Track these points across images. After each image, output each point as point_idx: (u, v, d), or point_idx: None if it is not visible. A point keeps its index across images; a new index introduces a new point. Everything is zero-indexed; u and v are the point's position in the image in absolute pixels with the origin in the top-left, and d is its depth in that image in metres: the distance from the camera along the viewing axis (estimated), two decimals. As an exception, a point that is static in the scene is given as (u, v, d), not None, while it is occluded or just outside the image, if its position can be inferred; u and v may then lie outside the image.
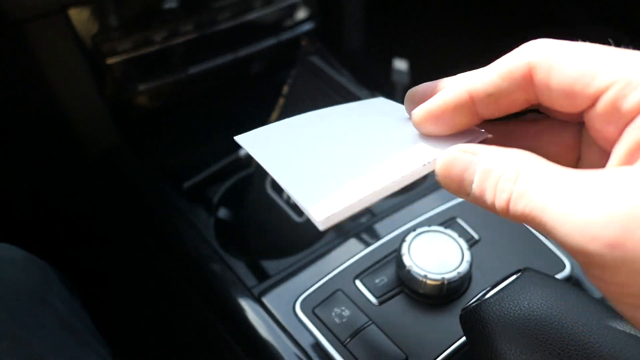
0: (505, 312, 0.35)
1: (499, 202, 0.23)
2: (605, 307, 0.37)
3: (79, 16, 0.55)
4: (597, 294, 0.45)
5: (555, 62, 0.23)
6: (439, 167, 0.26)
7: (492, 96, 0.25)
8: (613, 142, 0.23)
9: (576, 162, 0.27)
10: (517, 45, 0.26)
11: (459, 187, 0.25)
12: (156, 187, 0.58)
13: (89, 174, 0.63)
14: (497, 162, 0.24)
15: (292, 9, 0.68)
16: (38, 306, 0.43)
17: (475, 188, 0.24)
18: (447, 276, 0.42)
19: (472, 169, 0.25)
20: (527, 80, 0.24)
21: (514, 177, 0.23)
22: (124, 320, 0.79)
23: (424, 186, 0.55)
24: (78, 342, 0.43)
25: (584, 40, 0.24)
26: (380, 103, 0.36)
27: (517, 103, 0.25)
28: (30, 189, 0.80)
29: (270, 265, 0.50)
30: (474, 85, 0.25)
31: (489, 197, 0.24)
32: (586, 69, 0.23)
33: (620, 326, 0.35)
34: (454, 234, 0.44)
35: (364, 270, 0.45)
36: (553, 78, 0.23)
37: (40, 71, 0.57)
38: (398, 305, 0.43)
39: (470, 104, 0.26)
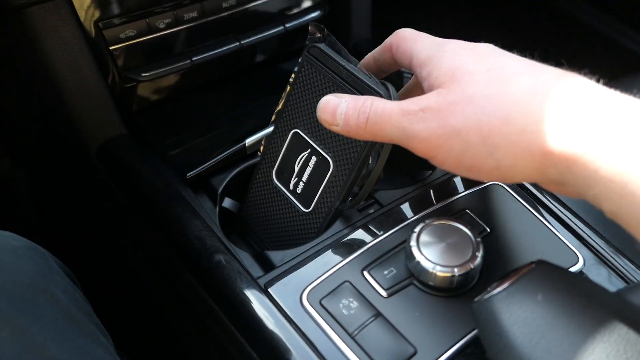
0: (519, 305, 0.35)
1: (360, 122, 0.39)
2: (620, 300, 0.36)
3: (81, 1, 0.54)
4: (612, 288, 0.44)
5: (398, 43, 0.43)
6: (319, 106, 0.42)
7: (379, 60, 0.46)
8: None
9: None
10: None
11: (332, 119, 0.41)
12: (160, 177, 0.57)
13: (91, 163, 0.62)
14: (359, 99, 0.40)
15: (299, -4, 0.67)
16: (39, 295, 0.43)
17: (343, 116, 0.40)
18: (458, 268, 0.41)
19: (342, 105, 0.41)
20: (390, 50, 0.44)
21: (369, 105, 0.39)
22: (125, 311, 0.78)
23: (433, 177, 0.54)
24: (79, 331, 0.43)
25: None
26: None
27: (390, 63, 0.45)
28: (30, 178, 0.80)
29: (276, 256, 0.49)
30: (373, 54, 0.47)
31: (352, 121, 0.40)
32: (409, 48, 0.42)
33: (635, 321, 0.34)
34: (465, 226, 0.44)
35: (373, 262, 0.44)
36: (397, 51, 0.43)
37: (42, 58, 0.56)
38: (407, 297, 0.42)
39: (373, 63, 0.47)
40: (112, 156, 0.61)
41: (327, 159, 0.46)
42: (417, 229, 0.43)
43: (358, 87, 0.44)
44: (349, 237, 0.48)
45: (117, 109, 0.61)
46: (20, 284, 0.42)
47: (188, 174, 0.56)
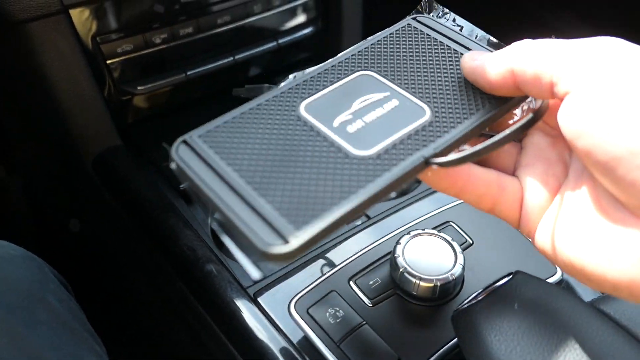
0: (497, 314, 0.36)
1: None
2: (594, 310, 0.38)
3: (80, 17, 0.55)
4: (587, 298, 0.46)
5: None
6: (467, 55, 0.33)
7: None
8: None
9: None
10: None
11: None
12: (154, 188, 0.59)
13: (87, 173, 0.63)
14: None
15: (292, 13, 0.68)
16: (35, 303, 0.44)
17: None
18: (440, 279, 0.43)
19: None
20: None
21: None
22: (118, 319, 0.79)
23: (419, 190, 0.56)
24: (74, 339, 0.44)
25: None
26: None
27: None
28: (25, 187, 0.81)
29: (265, 266, 0.50)
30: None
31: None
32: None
33: (608, 329, 0.35)
34: (448, 237, 0.45)
35: (359, 272, 0.46)
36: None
37: (40, 71, 0.57)
38: (391, 306, 0.44)
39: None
40: (108, 167, 0.62)
41: (419, 106, 0.34)
42: (402, 241, 0.45)
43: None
44: (337, 247, 0.49)
45: (113, 120, 0.63)
46: (17, 292, 0.43)
47: (181, 186, 0.58)
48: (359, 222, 0.52)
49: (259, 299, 0.46)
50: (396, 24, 0.38)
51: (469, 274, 0.46)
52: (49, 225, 0.84)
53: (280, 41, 0.68)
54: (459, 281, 0.44)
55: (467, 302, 0.38)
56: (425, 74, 0.35)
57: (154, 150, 0.63)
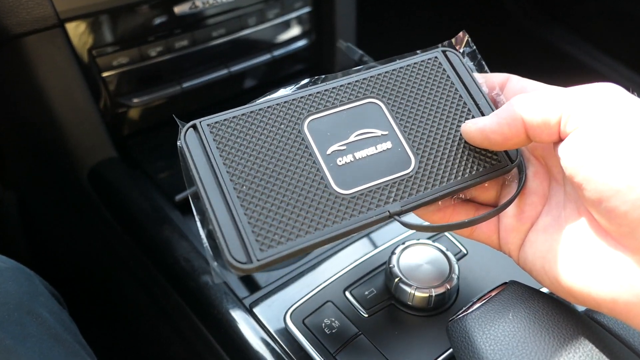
0: (491, 324, 0.36)
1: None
2: (586, 319, 0.38)
3: (76, 30, 0.56)
4: (581, 307, 0.46)
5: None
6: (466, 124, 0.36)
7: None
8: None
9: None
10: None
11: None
12: (149, 200, 0.59)
13: (82, 185, 0.64)
14: None
15: (286, 26, 0.69)
16: (25, 316, 0.44)
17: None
18: (435, 289, 0.43)
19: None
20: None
21: None
22: (112, 331, 0.79)
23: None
24: (65, 351, 0.44)
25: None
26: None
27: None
28: (20, 199, 0.81)
29: (261, 277, 0.50)
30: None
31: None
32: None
33: (602, 338, 0.36)
34: (442, 247, 0.45)
35: (354, 282, 0.46)
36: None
37: (36, 84, 0.57)
38: (387, 316, 0.44)
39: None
40: (103, 179, 0.62)
41: (408, 155, 0.36)
42: (397, 251, 0.45)
43: (483, 109, 0.37)
44: (332, 258, 0.49)
45: (109, 133, 0.63)
46: (6, 305, 0.43)
47: (176, 197, 0.58)
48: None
49: (255, 310, 0.47)
50: (425, 53, 0.40)
51: (464, 284, 0.46)
52: (43, 237, 0.84)
53: (275, 53, 0.68)
54: (454, 291, 0.44)
55: (462, 312, 0.38)
56: (428, 121, 0.37)
57: (150, 162, 0.63)
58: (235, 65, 0.66)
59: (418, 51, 0.40)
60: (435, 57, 0.39)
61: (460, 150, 0.36)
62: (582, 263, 0.31)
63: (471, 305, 0.38)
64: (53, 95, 0.58)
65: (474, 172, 0.36)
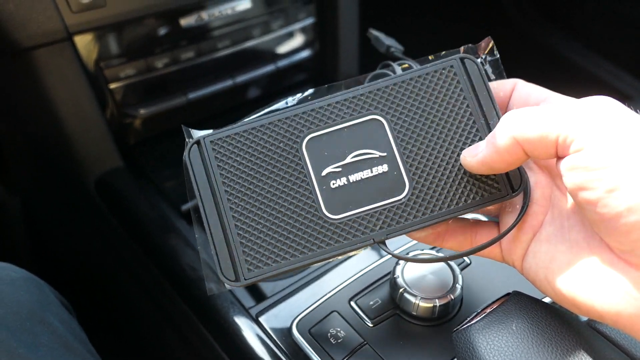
0: (495, 334, 0.37)
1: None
2: (589, 330, 0.38)
3: (84, 43, 0.57)
4: (583, 317, 0.46)
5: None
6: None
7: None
8: None
9: None
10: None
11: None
12: (155, 209, 0.59)
13: (89, 194, 0.64)
14: None
15: (290, 37, 0.70)
16: (37, 325, 0.44)
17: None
18: (439, 299, 0.43)
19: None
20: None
21: None
22: (119, 339, 0.79)
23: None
24: (76, 359, 0.44)
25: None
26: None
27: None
28: (25, 206, 0.81)
29: (267, 287, 0.51)
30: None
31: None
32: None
33: (605, 348, 0.36)
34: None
35: (359, 292, 0.47)
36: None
37: (44, 95, 0.58)
38: (392, 326, 0.44)
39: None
40: (110, 188, 0.63)
41: (403, 180, 0.35)
42: (401, 262, 0.46)
43: (491, 123, 0.36)
44: (337, 268, 0.50)
45: (115, 142, 0.64)
46: (19, 315, 0.44)
47: (183, 207, 0.59)
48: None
49: (261, 319, 0.47)
50: (442, 60, 0.38)
51: (467, 294, 0.46)
52: (48, 244, 0.85)
53: (279, 64, 0.69)
54: (458, 301, 0.45)
55: (466, 322, 0.38)
56: (430, 142, 0.36)
57: (156, 171, 0.64)
58: (240, 76, 0.67)
59: (432, 56, 0.39)
60: (451, 67, 0.37)
61: (460, 176, 0.36)
62: (585, 275, 0.31)
63: (475, 316, 0.39)
64: (61, 106, 0.59)
65: (469, 201, 0.35)
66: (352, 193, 0.35)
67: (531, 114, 0.31)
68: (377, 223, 0.35)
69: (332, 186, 0.35)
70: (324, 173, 0.36)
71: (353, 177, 0.35)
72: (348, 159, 0.36)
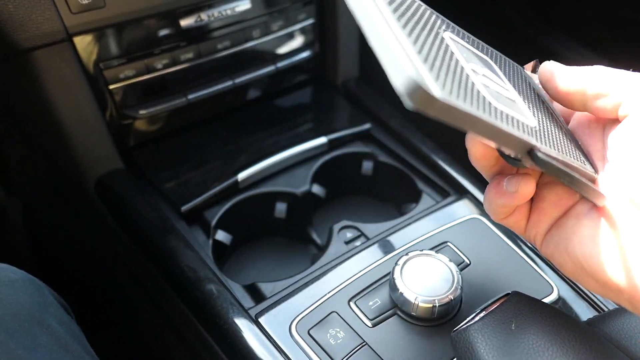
0: (494, 334, 0.37)
1: None
2: (588, 330, 0.38)
3: (83, 44, 0.57)
4: (583, 317, 0.46)
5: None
6: None
7: None
8: None
9: None
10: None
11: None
12: (155, 210, 0.59)
13: (89, 196, 0.64)
14: None
15: (290, 37, 0.70)
16: (36, 327, 0.44)
17: None
18: (439, 299, 0.43)
19: None
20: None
21: None
22: (119, 340, 0.79)
23: (417, 211, 0.57)
24: None
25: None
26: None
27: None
28: (25, 207, 0.81)
29: (266, 287, 0.51)
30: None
31: None
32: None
33: (602, 349, 0.36)
34: (445, 258, 0.46)
35: (358, 293, 0.47)
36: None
37: (44, 96, 0.58)
38: (391, 326, 0.44)
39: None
40: (110, 190, 0.63)
41: (530, 112, 0.33)
42: (400, 262, 0.46)
43: None
44: (336, 269, 0.50)
45: (115, 144, 0.64)
46: (18, 316, 0.44)
47: (182, 208, 0.59)
48: (358, 243, 0.53)
49: (260, 320, 0.47)
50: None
51: (467, 294, 0.46)
52: (48, 245, 0.85)
53: (279, 65, 0.69)
54: (457, 301, 0.45)
55: (466, 322, 0.38)
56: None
57: (156, 172, 0.64)
58: (239, 77, 0.67)
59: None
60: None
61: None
62: (607, 248, 0.31)
63: (475, 316, 0.39)
64: (60, 107, 0.59)
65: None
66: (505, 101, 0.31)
67: (602, 71, 0.34)
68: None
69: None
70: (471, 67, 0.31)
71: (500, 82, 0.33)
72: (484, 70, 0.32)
